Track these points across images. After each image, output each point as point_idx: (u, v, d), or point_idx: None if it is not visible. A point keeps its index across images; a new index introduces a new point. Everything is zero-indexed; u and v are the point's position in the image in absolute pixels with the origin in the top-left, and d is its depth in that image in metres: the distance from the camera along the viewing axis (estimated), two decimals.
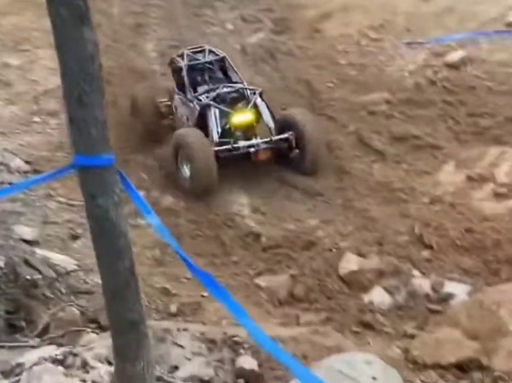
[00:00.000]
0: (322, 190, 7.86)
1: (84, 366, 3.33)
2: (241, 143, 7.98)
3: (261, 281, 6.29)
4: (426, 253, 6.79)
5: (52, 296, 5.00)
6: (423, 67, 9.66)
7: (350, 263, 6.49)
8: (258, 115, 8.13)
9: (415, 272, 6.53)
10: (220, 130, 8.03)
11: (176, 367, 3.86)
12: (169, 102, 8.91)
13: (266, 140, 8.06)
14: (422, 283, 6.36)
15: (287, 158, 8.18)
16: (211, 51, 8.97)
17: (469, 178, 7.65)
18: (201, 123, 8.11)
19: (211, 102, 8.11)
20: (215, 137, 7.98)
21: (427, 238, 6.91)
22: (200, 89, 8.53)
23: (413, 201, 7.50)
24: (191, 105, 8.32)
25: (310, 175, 8.11)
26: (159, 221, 3.01)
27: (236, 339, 4.32)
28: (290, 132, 8.07)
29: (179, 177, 7.99)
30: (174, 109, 8.75)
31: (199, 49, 9.01)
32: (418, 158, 8.18)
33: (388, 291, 6.30)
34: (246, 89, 8.38)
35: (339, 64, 10.12)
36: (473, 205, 7.26)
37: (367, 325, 5.91)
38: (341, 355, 3.56)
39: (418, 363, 5.28)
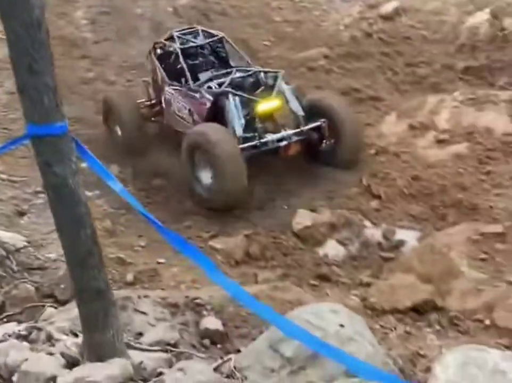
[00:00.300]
0: None
1: (50, 339, 3.26)
2: (269, 137, 6.82)
3: (216, 243, 6.27)
4: (374, 203, 6.91)
5: (4, 274, 4.86)
6: (358, 20, 9.73)
7: (303, 219, 6.54)
8: (285, 101, 6.98)
9: (367, 223, 6.65)
10: (243, 122, 6.74)
11: (141, 334, 3.81)
12: (150, 101, 7.80)
13: (297, 131, 6.95)
14: (374, 233, 6.49)
15: (317, 150, 7.18)
16: (205, 32, 7.88)
17: (411, 127, 7.78)
18: (214, 117, 6.86)
19: (229, 89, 6.83)
20: (239, 131, 6.67)
21: (375, 188, 7.02)
22: (203, 76, 7.40)
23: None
24: (196, 95, 7.05)
25: (346, 169, 7.20)
26: (121, 185, 2.95)
27: (198, 301, 4.31)
28: (323, 120, 7.06)
29: (193, 187, 6.82)
30: (164, 106, 7.52)
31: (189, 30, 7.94)
32: (360, 111, 8.24)
33: (342, 243, 6.41)
34: (264, 72, 7.27)
35: (274, 22, 10.09)
36: (418, 153, 7.40)
37: (324, 278, 6.00)
38: (307, 306, 3.59)
39: (376, 309, 5.41)
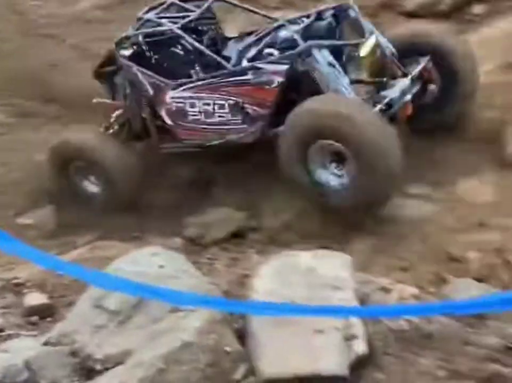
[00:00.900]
0: None
1: None
2: (390, 92, 4.89)
3: (25, 219, 5.99)
4: None
5: None
6: None
7: None
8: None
9: None
10: (347, 81, 4.84)
11: None
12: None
13: (409, 79, 4.96)
14: None
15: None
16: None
17: None
18: (286, 99, 4.92)
19: (314, 42, 4.79)
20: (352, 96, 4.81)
21: None
22: (231, 53, 5.36)
23: None
24: (247, 77, 4.91)
25: (454, 130, 5.22)
26: None
27: (16, 281, 4.14)
28: (427, 58, 5.09)
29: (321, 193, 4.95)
30: (171, 121, 5.37)
31: (162, 6, 5.63)
32: None
33: None
34: (329, 9, 5.13)
35: None
36: None
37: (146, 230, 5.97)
38: (126, 256, 3.57)
39: (200, 244, 5.54)
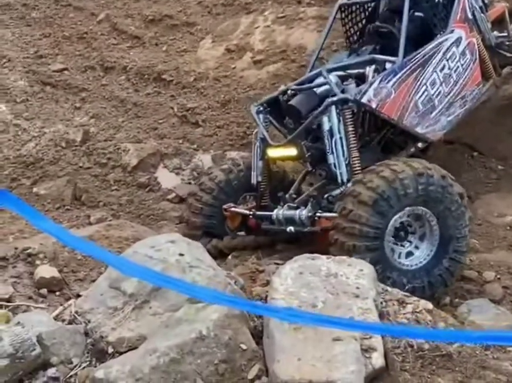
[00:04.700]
0: (85, 85, 7.48)
1: None
2: None
3: (40, 189, 5.96)
4: (199, 130, 6.90)
5: None
6: None
7: (129, 154, 6.37)
8: None
9: (195, 150, 6.64)
10: None
11: None
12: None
13: None
14: (203, 158, 6.49)
15: None
16: None
17: (228, 50, 7.78)
18: None
19: None
20: None
21: (192, 117, 7.00)
22: None
23: (179, 82, 7.47)
24: None
25: None
26: None
27: (28, 251, 4.10)
28: None
29: None
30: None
31: None
32: (175, 37, 8.09)
33: (174, 171, 6.36)
34: None
35: None
36: (237, 75, 7.43)
37: (158, 213, 5.94)
38: (145, 241, 3.53)
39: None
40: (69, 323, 2.97)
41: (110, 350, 2.85)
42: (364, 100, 4.68)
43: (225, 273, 3.46)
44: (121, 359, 2.75)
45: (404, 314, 3.26)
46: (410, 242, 4.38)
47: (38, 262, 4.05)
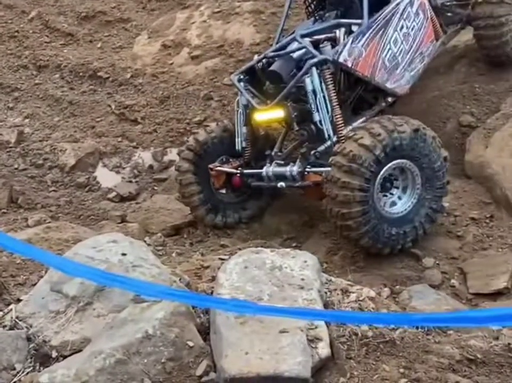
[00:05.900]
0: (18, 85, 7.29)
1: None
2: None
3: None
4: (138, 127, 6.83)
5: None
6: None
7: (66, 154, 6.25)
8: None
9: (135, 147, 6.57)
10: None
11: None
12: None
13: None
14: (143, 156, 6.43)
15: None
16: None
17: (165, 46, 7.71)
18: None
19: None
20: None
21: (131, 114, 6.92)
22: None
23: (116, 79, 7.37)
24: None
25: None
26: None
27: None
28: None
29: None
30: None
31: None
32: (110, 34, 7.97)
33: (113, 170, 6.27)
34: None
35: None
36: (175, 71, 7.38)
37: (98, 212, 5.86)
38: (86, 241, 3.47)
39: (149, 232, 5.48)
40: (11, 328, 2.89)
41: (54, 354, 2.79)
42: (341, 59, 5.02)
43: (169, 270, 3.43)
44: (66, 363, 2.70)
45: (348, 303, 3.31)
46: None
47: None
